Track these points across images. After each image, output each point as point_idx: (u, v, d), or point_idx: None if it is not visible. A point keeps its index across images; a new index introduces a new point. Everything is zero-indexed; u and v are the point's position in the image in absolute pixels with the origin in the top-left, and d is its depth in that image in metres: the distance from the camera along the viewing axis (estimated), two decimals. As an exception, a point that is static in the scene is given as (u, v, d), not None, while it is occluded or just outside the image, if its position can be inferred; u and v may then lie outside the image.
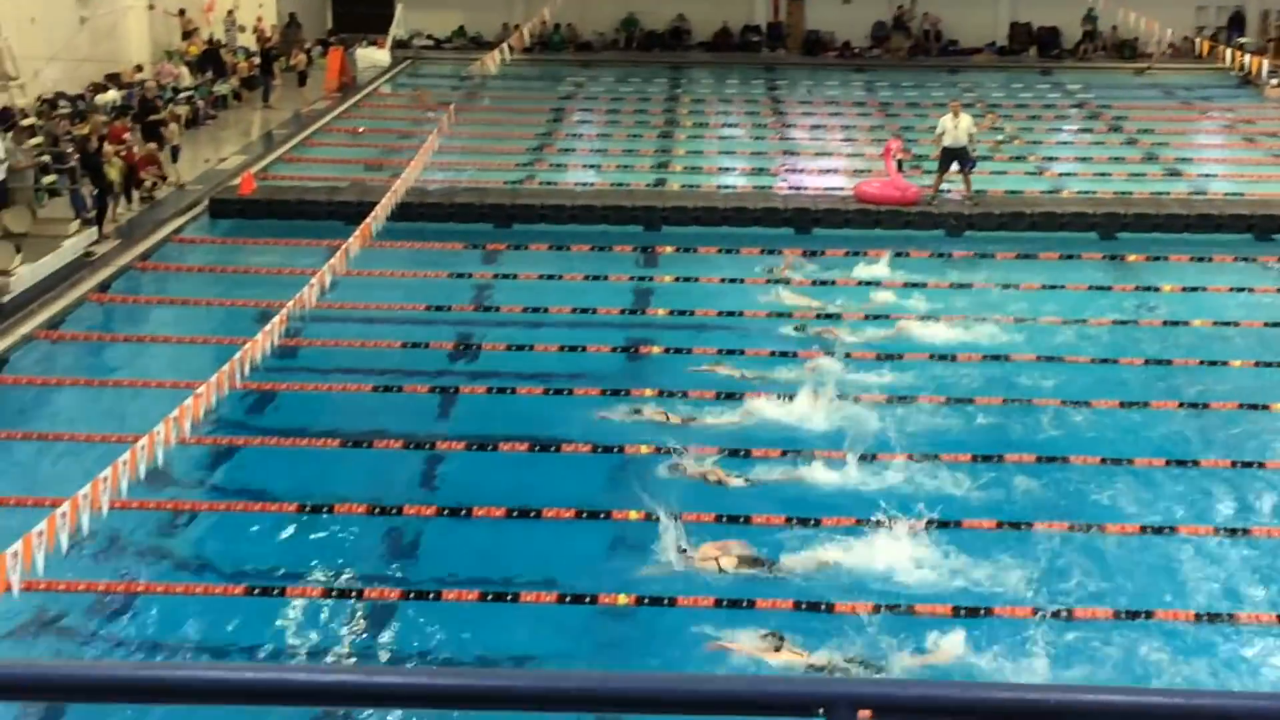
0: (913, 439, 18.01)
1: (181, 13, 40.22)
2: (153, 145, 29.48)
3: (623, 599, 14.27)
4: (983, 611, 14.06)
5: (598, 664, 13.22)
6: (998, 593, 14.45)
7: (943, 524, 15.53)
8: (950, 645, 13.40)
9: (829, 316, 22.74)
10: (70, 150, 26.46)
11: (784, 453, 17.50)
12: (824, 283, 24.52)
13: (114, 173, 26.47)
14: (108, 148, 26.53)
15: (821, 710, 3.08)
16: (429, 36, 48.69)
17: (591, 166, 32.87)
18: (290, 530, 15.69)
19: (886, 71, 45.83)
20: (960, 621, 13.79)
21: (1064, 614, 14.07)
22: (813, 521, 15.74)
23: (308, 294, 19.37)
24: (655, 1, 48.83)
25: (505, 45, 39.14)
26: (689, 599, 14.18)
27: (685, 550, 14.85)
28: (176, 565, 15.03)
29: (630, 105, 40.07)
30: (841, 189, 29.75)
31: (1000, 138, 34.97)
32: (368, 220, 22.73)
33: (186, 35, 40.18)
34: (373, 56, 44.19)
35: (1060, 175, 32.00)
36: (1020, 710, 3.14)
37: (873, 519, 15.51)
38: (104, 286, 23.56)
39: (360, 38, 45.59)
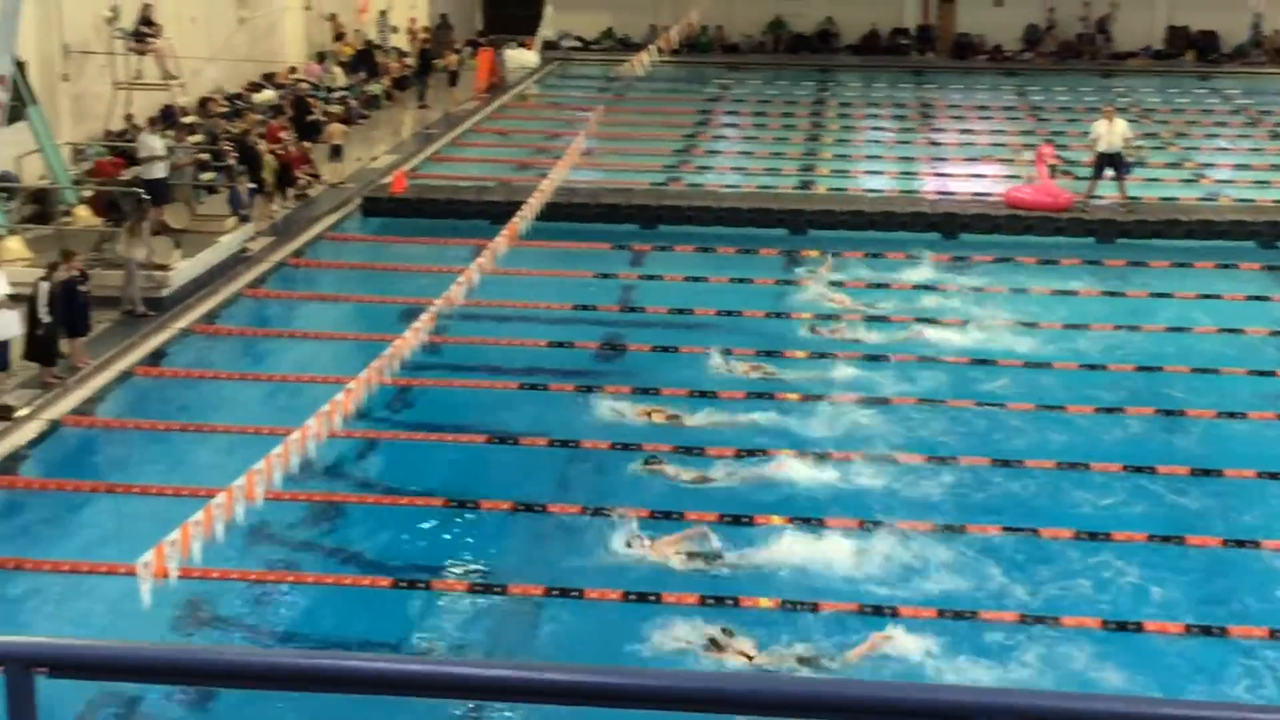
0: (1062, 449, 17.78)
1: (333, 17, 40.90)
2: (307, 144, 30.01)
3: (765, 602, 14.24)
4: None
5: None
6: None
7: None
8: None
9: (969, 322, 22.51)
10: (228, 148, 27.03)
11: (927, 458, 17.36)
12: (976, 289, 24.24)
13: (269, 171, 27.03)
14: (263, 146, 27.08)
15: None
16: (577, 38, 49.00)
17: (737, 169, 32.82)
18: (436, 525, 15.89)
19: (1038, 75, 45.18)
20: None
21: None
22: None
23: (456, 292, 19.59)
24: (803, 4, 48.62)
25: (653, 47, 39.25)
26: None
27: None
28: (324, 556, 15.29)
29: (777, 108, 39.95)
30: (991, 194, 29.41)
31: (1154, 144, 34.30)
32: (515, 219, 22.92)
33: (339, 37, 40.87)
34: (521, 57, 44.54)
35: (1217, 182, 31.31)
36: None
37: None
38: (258, 282, 24.04)
39: (510, 39, 46.00)
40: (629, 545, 14.94)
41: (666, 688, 3.11)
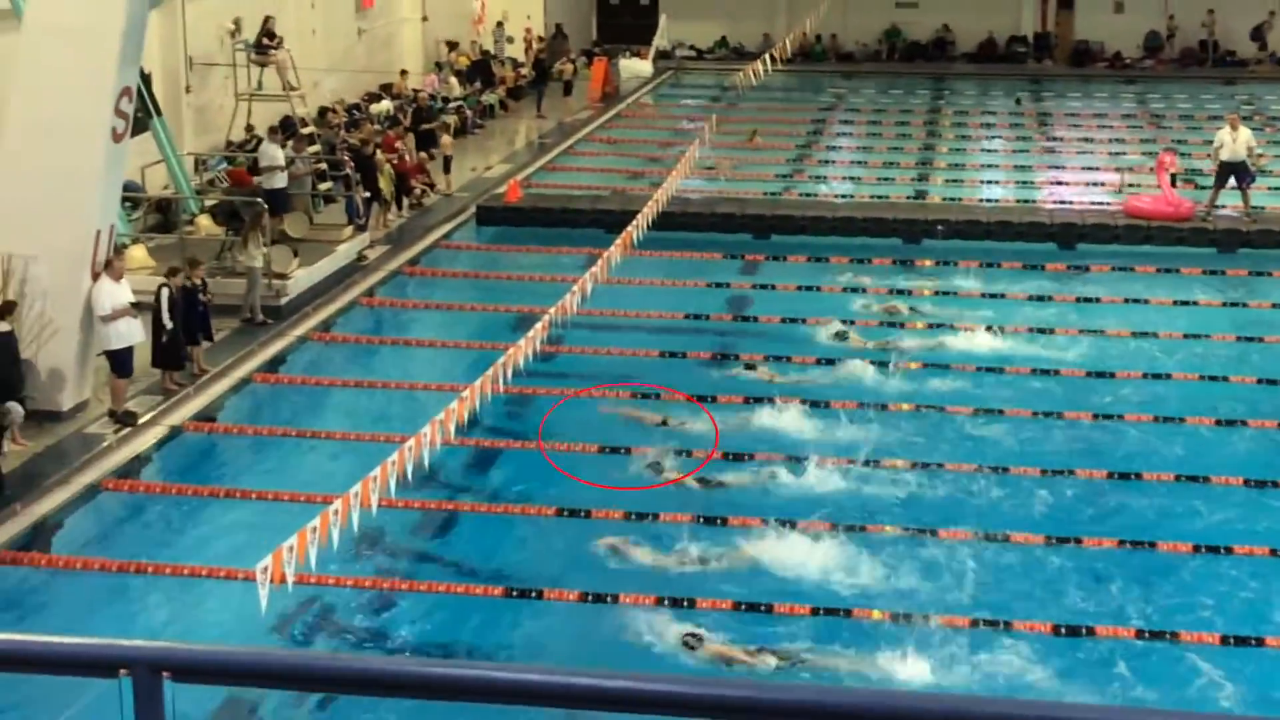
0: (1180, 462, 17.52)
1: (454, 47, 41.26)
2: (424, 154, 30.31)
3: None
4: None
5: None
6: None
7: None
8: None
9: (1094, 332, 22.24)
10: (345, 158, 27.38)
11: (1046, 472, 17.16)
12: (1087, 300, 23.95)
13: (385, 180, 27.34)
14: (380, 156, 27.40)
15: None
16: (691, 47, 49.05)
17: (851, 179, 32.67)
18: (547, 533, 15.95)
19: (1158, 83, 44.50)
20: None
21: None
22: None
23: (569, 301, 19.66)
24: (919, 12, 48.31)
25: (766, 56, 39.20)
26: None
27: None
28: (436, 564, 15.39)
29: (891, 117, 39.70)
30: (1109, 203, 29.01)
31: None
32: (629, 228, 22.98)
33: (453, 46, 41.29)
34: (636, 67, 44.70)
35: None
36: None
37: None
38: (373, 290, 24.31)
39: (624, 48, 46.18)
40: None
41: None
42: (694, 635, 13.63)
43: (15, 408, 16.15)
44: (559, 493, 16.67)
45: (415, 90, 36.14)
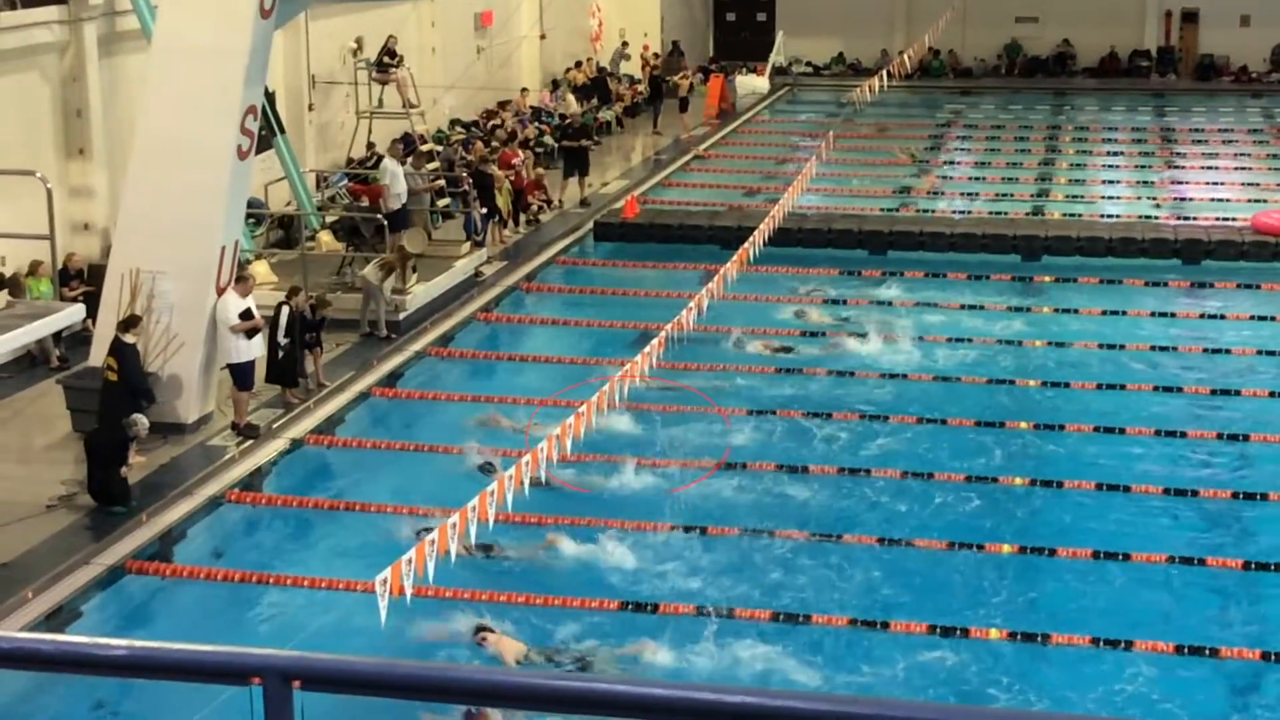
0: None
1: (579, 65, 41.56)
2: (540, 170, 30.49)
3: (994, 633, 14.01)
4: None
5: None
6: None
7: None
8: None
9: (1219, 351, 21.88)
10: (463, 174, 27.63)
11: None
12: (1214, 315, 23.57)
13: (503, 197, 27.54)
14: (498, 173, 27.62)
15: None
16: (808, 63, 48.93)
17: (969, 194, 32.39)
18: (664, 547, 15.93)
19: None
20: None
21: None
22: None
23: (686, 317, 19.67)
24: (1040, 27, 47.81)
25: (884, 72, 39.03)
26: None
27: None
28: (551, 576, 15.42)
29: (1010, 132, 39.33)
30: (1236, 219, 28.50)
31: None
32: (746, 244, 22.95)
33: (579, 65, 41.56)
34: (752, 83, 44.69)
35: None
36: None
37: None
38: (490, 306, 24.49)
39: (740, 65, 46.19)
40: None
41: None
42: (485, 628, 13.76)
43: (141, 419, 16.46)
44: (674, 506, 16.71)
45: (534, 107, 36.43)
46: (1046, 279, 25.81)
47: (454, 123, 34.66)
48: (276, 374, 19.19)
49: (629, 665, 13.50)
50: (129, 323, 17.27)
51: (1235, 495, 16.95)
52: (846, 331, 22.88)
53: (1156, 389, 20.32)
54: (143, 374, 17.36)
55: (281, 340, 18.95)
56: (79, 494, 16.28)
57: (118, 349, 16.90)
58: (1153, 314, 23.79)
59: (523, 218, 28.74)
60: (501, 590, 14.76)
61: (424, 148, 29.56)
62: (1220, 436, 18.64)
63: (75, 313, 15.98)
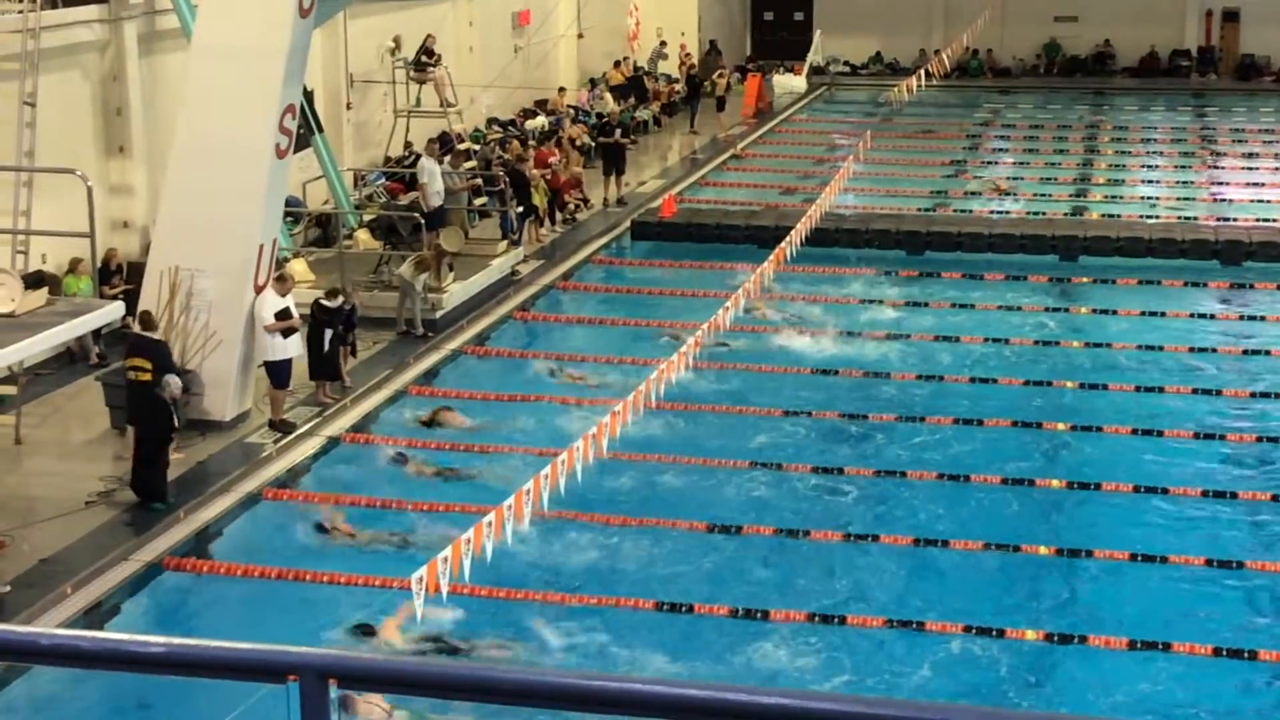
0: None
1: (618, 64, 41.54)
2: (578, 170, 30.50)
3: (1030, 634, 13.95)
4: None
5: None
6: None
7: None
8: None
9: (1252, 353, 21.75)
10: (500, 173, 27.67)
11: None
12: (1254, 317, 23.42)
13: (539, 196, 27.56)
14: (534, 172, 27.64)
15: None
16: (845, 63, 48.80)
17: (1007, 194, 32.26)
18: (699, 548, 15.92)
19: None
20: None
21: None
22: None
23: (722, 317, 19.66)
24: (1079, 26, 47.54)
25: (921, 71, 38.89)
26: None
27: None
28: (589, 577, 15.42)
29: (1049, 132, 39.14)
30: (1277, 221, 28.30)
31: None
32: (783, 244, 22.92)
33: (618, 64, 41.55)
34: (789, 83, 44.61)
35: None
36: None
37: None
38: (526, 305, 24.52)
39: (777, 64, 46.12)
40: None
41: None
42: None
43: (173, 379, 16.34)
44: (709, 507, 16.70)
45: (571, 106, 36.45)
46: (1085, 280, 25.68)
47: (491, 121, 34.74)
48: (319, 370, 19.30)
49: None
50: (148, 319, 17.14)
51: (1274, 498, 16.85)
52: (883, 331, 22.83)
53: (1195, 391, 20.20)
54: (174, 364, 17.30)
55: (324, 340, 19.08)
56: (118, 490, 16.38)
57: (145, 347, 16.74)
58: (1192, 315, 23.65)
59: (559, 216, 28.76)
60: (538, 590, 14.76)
61: (461, 146, 29.61)
62: (1260, 439, 18.51)
63: (114, 310, 16.02)
